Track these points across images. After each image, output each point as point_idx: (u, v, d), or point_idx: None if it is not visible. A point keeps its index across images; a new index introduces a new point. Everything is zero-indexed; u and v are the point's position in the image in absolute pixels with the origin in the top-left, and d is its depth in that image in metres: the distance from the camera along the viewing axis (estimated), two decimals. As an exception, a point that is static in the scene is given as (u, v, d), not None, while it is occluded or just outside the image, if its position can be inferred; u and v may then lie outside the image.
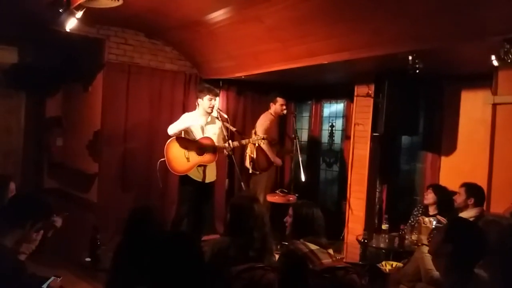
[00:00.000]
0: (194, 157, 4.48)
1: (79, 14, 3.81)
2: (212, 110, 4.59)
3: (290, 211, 2.76)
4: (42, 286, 2.48)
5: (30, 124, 5.71)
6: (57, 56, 5.29)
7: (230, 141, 4.50)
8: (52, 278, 2.59)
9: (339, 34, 3.72)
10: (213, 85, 5.17)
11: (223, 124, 4.62)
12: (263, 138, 4.71)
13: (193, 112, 4.72)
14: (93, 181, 5.08)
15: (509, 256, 2.25)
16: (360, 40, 3.66)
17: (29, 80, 5.36)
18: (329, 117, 6.16)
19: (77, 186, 5.42)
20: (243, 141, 4.74)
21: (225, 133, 4.58)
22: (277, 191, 4.96)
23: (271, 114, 5.26)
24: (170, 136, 4.45)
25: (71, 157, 5.60)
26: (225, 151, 4.54)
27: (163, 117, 5.16)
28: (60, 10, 3.75)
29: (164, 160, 4.44)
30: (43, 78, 5.45)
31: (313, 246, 2.51)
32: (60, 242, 5.15)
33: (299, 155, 4.95)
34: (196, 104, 4.70)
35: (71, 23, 3.90)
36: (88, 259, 3.32)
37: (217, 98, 4.80)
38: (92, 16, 4.10)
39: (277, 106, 5.20)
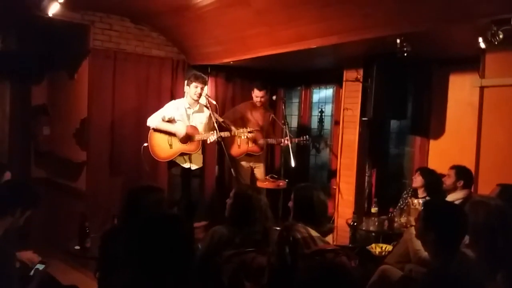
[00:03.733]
0: (177, 145, 4.47)
1: (62, -2, 3.74)
2: (198, 98, 4.55)
3: (292, 195, 2.74)
4: (29, 274, 2.47)
5: (16, 112, 5.59)
6: (41, 43, 5.18)
7: (214, 131, 4.45)
8: (38, 265, 2.58)
9: (328, 18, 3.69)
10: (201, 71, 5.12)
11: (212, 113, 4.57)
12: (249, 132, 4.67)
13: (181, 99, 4.68)
14: (81, 170, 5.03)
15: (496, 236, 2.30)
16: (349, 23, 3.64)
17: (13, 67, 5.24)
18: (319, 102, 6.15)
19: (65, 175, 5.36)
20: (229, 133, 4.70)
21: (215, 120, 4.53)
22: (267, 177, 4.97)
23: (252, 103, 5.22)
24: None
25: (58, 146, 5.53)
26: (208, 141, 4.51)
27: (151, 104, 5.09)
28: (43, -6, 3.67)
29: (147, 146, 4.43)
30: (28, 66, 5.34)
31: (314, 233, 2.49)
32: (49, 231, 5.15)
33: (289, 141, 4.94)
34: (184, 91, 4.66)
35: (53, 8, 3.84)
36: (77, 247, 3.29)
37: (205, 87, 4.75)
38: (76, 1, 4.02)
39: (253, 96, 5.18)
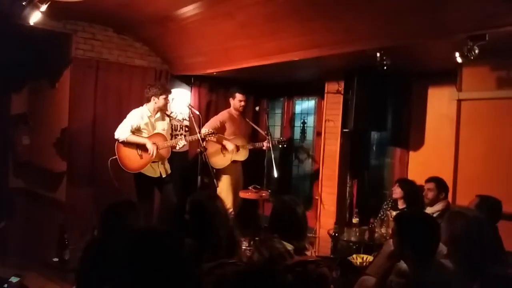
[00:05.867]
0: (146, 154, 4.44)
1: (44, 7, 3.69)
2: (167, 109, 4.61)
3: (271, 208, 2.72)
4: (4, 286, 2.41)
5: (-6, 121, 5.50)
6: (22, 51, 5.11)
7: (183, 136, 4.47)
8: (13, 277, 2.52)
9: (310, 32, 3.75)
10: (185, 82, 5.12)
11: (183, 120, 4.59)
12: (212, 133, 4.68)
13: (141, 108, 4.62)
14: (61, 180, 4.95)
15: (474, 247, 2.33)
16: (331, 37, 3.70)
17: (-8, 76, 5.16)
18: (301, 113, 6.21)
19: (44, 185, 5.26)
20: (193, 137, 4.70)
21: (196, 128, 4.54)
22: (249, 187, 4.96)
23: (228, 112, 5.22)
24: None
25: (38, 156, 5.43)
26: (177, 147, 4.54)
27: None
28: (24, 3, 3.63)
29: (116, 158, 4.37)
30: (8, 74, 5.26)
31: (289, 246, 2.46)
32: (27, 242, 5.04)
33: (272, 152, 4.96)
34: (147, 100, 4.60)
35: (35, 17, 3.78)
36: (55, 259, 3.23)
37: (188, 93, 4.77)
38: (59, 10, 3.99)
39: (236, 101, 5.17)
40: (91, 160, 4.98)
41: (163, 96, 4.53)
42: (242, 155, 5.18)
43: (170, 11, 4.18)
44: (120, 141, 4.43)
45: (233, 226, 2.66)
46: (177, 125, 5.53)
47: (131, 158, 4.44)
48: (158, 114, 4.65)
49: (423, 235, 2.23)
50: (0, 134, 5.51)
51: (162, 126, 4.66)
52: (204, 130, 4.81)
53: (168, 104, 4.68)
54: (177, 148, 4.58)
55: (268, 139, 4.95)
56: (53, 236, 4.35)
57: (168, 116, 4.70)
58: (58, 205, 4.93)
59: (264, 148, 5.03)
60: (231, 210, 4.99)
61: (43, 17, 3.80)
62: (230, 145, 5.03)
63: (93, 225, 3.62)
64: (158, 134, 4.57)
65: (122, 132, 4.42)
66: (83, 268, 2.50)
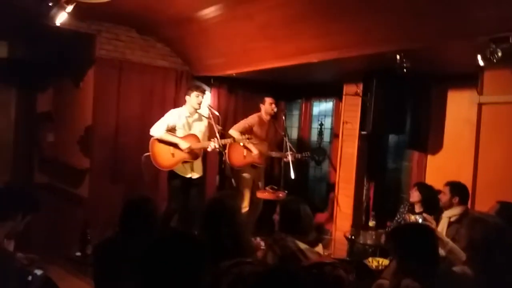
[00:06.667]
0: (179, 153, 4.52)
1: (69, 8, 3.80)
2: (199, 107, 4.64)
3: (278, 208, 2.79)
4: (28, 278, 2.50)
5: (21, 119, 5.68)
6: (47, 50, 5.27)
7: (215, 138, 4.52)
8: (37, 270, 2.61)
9: (329, 33, 3.76)
10: (204, 82, 5.20)
11: (210, 121, 4.65)
12: (248, 138, 4.74)
13: (180, 108, 4.75)
14: (84, 177, 5.08)
15: (494, 253, 2.29)
16: (350, 39, 3.71)
17: (20, 75, 5.33)
18: (319, 115, 6.22)
19: (68, 181, 5.41)
20: (228, 140, 4.78)
21: (215, 130, 4.61)
22: (266, 188, 5.01)
23: (258, 116, 5.29)
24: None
25: (62, 152, 5.59)
26: (208, 148, 4.57)
27: (154, 113, 5.15)
28: (50, 4, 3.75)
29: (149, 155, 4.48)
30: (34, 73, 5.42)
31: (302, 245, 2.52)
32: (51, 236, 5.19)
33: (289, 153, 5.00)
34: (185, 100, 4.73)
35: (61, 18, 3.89)
36: (78, 254, 3.33)
37: (208, 94, 4.84)
38: (84, 11, 4.10)
39: (267, 105, 5.24)
40: (113, 158, 5.10)
41: (195, 93, 4.59)
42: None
43: (191, 12, 4.25)
44: (155, 138, 4.52)
45: (239, 228, 2.70)
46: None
47: (163, 156, 4.52)
48: (196, 115, 4.70)
49: (424, 244, 2.21)
50: (26, 131, 5.70)
51: (199, 127, 4.71)
52: (233, 132, 4.89)
53: (203, 104, 4.70)
54: (209, 149, 4.62)
55: (293, 152, 4.98)
56: (75, 231, 4.48)
57: (207, 117, 4.71)
58: (80, 200, 5.07)
59: (286, 160, 5.01)
60: (246, 209, 5.07)
61: (68, 17, 3.91)
62: (254, 150, 5.06)
63: (114, 221, 3.71)
64: (192, 135, 4.62)
65: (158, 129, 4.52)
66: (99, 264, 2.57)
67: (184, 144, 4.49)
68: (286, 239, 2.55)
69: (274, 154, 5.37)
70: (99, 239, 3.22)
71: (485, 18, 2.89)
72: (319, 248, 2.63)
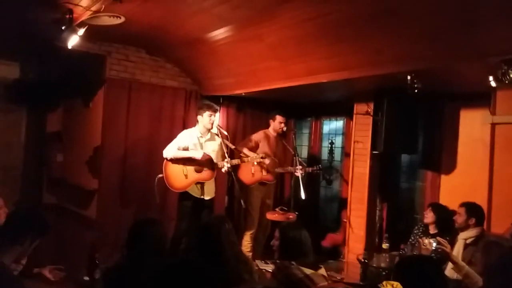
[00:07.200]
0: (192, 174, 4.49)
1: (81, 31, 3.86)
2: (212, 126, 4.62)
3: (277, 233, 2.75)
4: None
5: (31, 138, 5.70)
6: (58, 71, 5.32)
7: (229, 158, 4.50)
8: None
9: (339, 54, 3.75)
10: (213, 102, 5.18)
11: (222, 141, 4.63)
12: (262, 157, 4.71)
13: (192, 128, 4.74)
14: (92, 197, 5.07)
15: (510, 278, 2.25)
16: (360, 59, 3.69)
17: (31, 95, 5.38)
18: (329, 134, 6.18)
19: (76, 202, 5.40)
20: (243, 159, 4.76)
21: (225, 150, 4.59)
22: (276, 209, 4.94)
23: (264, 132, 5.27)
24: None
25: (71, 173, 5.59)
26: (222, 168, 4.53)
27: (163, 133, 5.17)
28: (63, 28, 3.79)
29: (162, 177, 4.46)
30: (44, 93, 5.47)
31: (307, 271, 2.47)
32: (59, 258, 5.14)
33: (299, 167, 4.96)
34: (196, 121, 4.72)
35: (73, 40, 3.94)
36: (86, 278, 3.27)
37: (217, 114, 4.84)
38: (94, 33, 4.15)
39: (276, 123, 5.23)
40: (122, 178, 5.08)
41: (207, 113, 4.57)
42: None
43: (201, 34, 4.27)
44: (168, 159, 4.50)
45: (235, 252, 2.66)
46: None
47: (176, 178, 4.50)
48: (209, 135, 4.68)
49: (431, 280, 2.16)
50: (36, 151, 5.72)
51: (212, 147, 4.67)
52: (245, 150, 4.89)
53: (215, 124, 4.69)
54: (223, 170, 4.57)
55: (303, 166, 4.94)
56: (84, 253, 4.43)
57: (219, 136, 4.67)
58: (89, 222, 5.04)
59: (297, 174, 4.98)
60: (253, 231, 5.01)
61: (80, 39, 3.96)
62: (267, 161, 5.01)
63: (122, 243, 3.67)
64: (206, 155, 4.58)
65: (170, 151, 4.51)
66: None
67: (198, 154, 4.46)
68: (290, 267, 2.50)
69: (282, 169, 5.32)
70: (107, 263, 3.18)
71: (496, 39, 2.87)
72: (322, 271, 2.57)
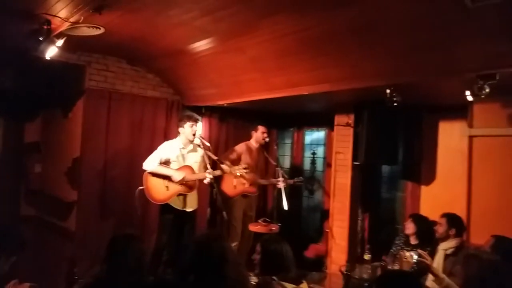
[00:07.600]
0: (173, 186, 4.44)
1: (60, 42, 3.81)
2: (194, 137, 4.58)
3: (258, 247, 2.72)
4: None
5: (8, 149, 5.58)
6: (37, 81, 5.23)
7: (211, 170, 4.47)
8: None
9: (320, 67, 3.78)
10: (195, 112, 5.17)
11: (205, 152, 4.59)
12: (245, 168, 4.70)
13: (174, 140, 4.69)
14: (71, 209, 4.97)
15: (488, 289, 2.28)
16: (340, 73, 3.73)
17: (8, 105, 5.28)
18: (311, 144, 6.21)
19: (55, 214, 5.29)
20: (220, 171, 4.71)
21: (207, 161, 4.55)
22: (259, 220, 4.92)
23: (246, 144, 5.26)
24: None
25: (49, 184, 5.49)
26: (205, 180, 4.50)
27: (144, 144, 5.11)
28: (41, 39, 3.72)
29: (143, 189, 4.40)
30: (22, 104, 5.38)
31: (289, 286, 2.44)
32: (37, 272, 5.03)
33: (281, 179, 4.96)
34: (178, 132, 4.68)
35: (51, 51, 3.88)
36: (64, 293, 3.21)
37: (199, 124, 4.80)
38: (74, 43, 4.09)
39: (258, 133, 5.23)
40: (102, 190, 4.99)
41: (188, 124, 4.52)
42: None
43: (183, 45, 4.25)
44: (148, 171, 4.44)
45: (240, 266, 2.61)
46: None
47: (157, 190, 4.44)
48: (191, 146, 4.64)
49: None
50: (13, 162, 5.60)
51: (194, 158, 4.62)
52: (227, 162, 4.81)
53: (197, 134, 4.63)
54: (205, 181, 4.51)
55: (285, 178, 4.93)
56: (63, 267, 4.35)
57: (202, 147, 4.61)
58: (68, 234, 4.94)
59: (279, 186, 4.97)
60: (236, 243, 4.96)
61: (59, 50, 3.90)
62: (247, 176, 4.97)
63: (102, 255, 3.61)
64: (187, 166, 4.54)
65: (150, 163, 4.45)
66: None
67: (177, 176, 4.41)
68: (271, 283, 2.46)
69: (264, 181, 5.31)
70: (86, 277, 3.12)
71: (472, 55, 2.93)
72: (304, 286, 2.55)
